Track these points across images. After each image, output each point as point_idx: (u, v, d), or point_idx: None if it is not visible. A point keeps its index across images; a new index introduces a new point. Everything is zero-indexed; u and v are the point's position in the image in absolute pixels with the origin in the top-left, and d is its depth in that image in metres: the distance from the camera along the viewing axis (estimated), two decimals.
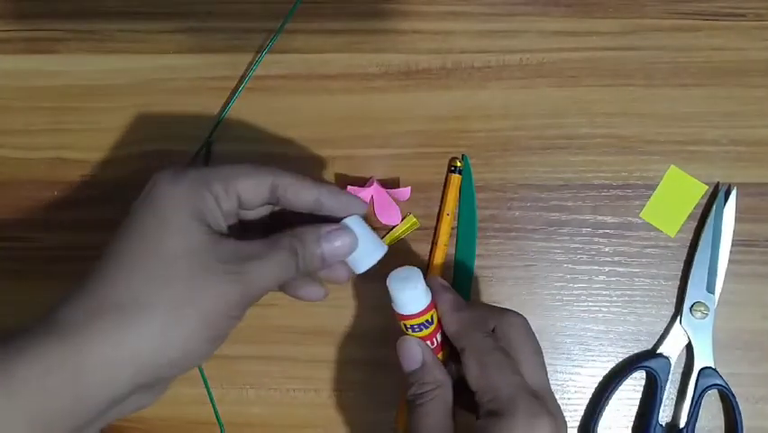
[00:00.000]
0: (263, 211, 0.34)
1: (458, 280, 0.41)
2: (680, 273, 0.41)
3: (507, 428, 0.28)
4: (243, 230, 0.33)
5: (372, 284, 0.42)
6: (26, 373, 0.25)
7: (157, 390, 0.30)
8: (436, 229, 0.41)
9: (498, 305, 0.36)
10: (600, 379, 0.41)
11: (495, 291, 0.41)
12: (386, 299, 0.33)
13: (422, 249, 0.42)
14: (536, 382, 0.31)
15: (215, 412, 0.42)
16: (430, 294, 0.33)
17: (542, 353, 0.33)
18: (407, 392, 0.33)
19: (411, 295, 0.32)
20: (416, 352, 0.33)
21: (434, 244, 0.41)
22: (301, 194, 0.32)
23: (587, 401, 0.41)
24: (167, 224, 0.29)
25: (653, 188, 0.41)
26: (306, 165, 0.42)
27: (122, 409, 0.28)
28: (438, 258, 0.41)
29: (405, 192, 0.40)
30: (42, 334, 0.26)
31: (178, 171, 0.30)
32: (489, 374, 0.30)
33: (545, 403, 0.30)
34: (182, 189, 0.29)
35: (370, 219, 0.42)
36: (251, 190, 0.31)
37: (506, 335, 0.32)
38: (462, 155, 0.41)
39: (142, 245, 0.28)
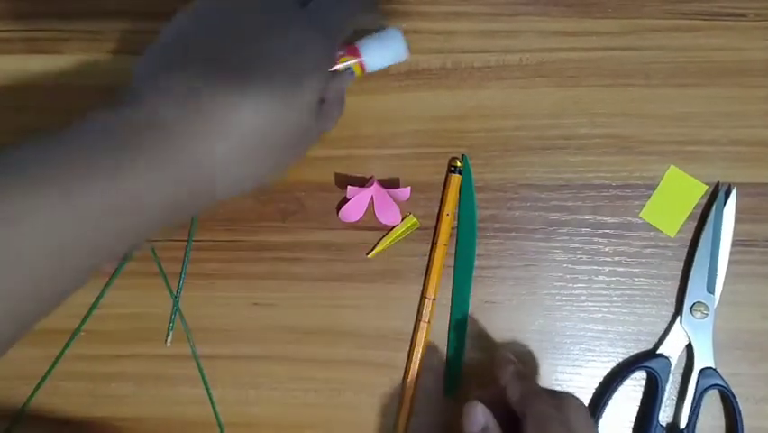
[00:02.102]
0: None
1: (458, 280, 0.41)
2: (680, 273, 0.41)
3: None
4: None
5: (372, 284, 0.42)
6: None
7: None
8: (436, 229, 0.41)
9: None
10: (601, 379, 0.41)
11: (495, 291, 0.41)
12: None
13: (422, 249, 0.42)
14: None
15: (215, 412, 0.42)
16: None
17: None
18: None
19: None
20: (480, 416, 0.34)
21: (434, 244, 0.41)
22: None
23: (587, 402, 0.41)
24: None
25: (652, 188, 0.41)
26: (306, 165, 0.42)
27: (197, 206, 0.30)
28: (438, 258, 0.41)
29: (405, 192, 0.40)
30: (133, 123, 0.27)
31: None
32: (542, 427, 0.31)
33: None
34: None
35: (370, 219, 0.42)
36: None
37: (565, 413, 0.33)
38: (462, 155, 0.41)
39: (236, 40, 0.29)
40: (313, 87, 0.30)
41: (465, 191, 0.41)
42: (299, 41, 0.29)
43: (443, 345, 0.41)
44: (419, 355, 0.41)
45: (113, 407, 0.42)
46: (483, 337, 0.41)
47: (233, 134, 0.27)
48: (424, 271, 0.41)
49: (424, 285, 0.41)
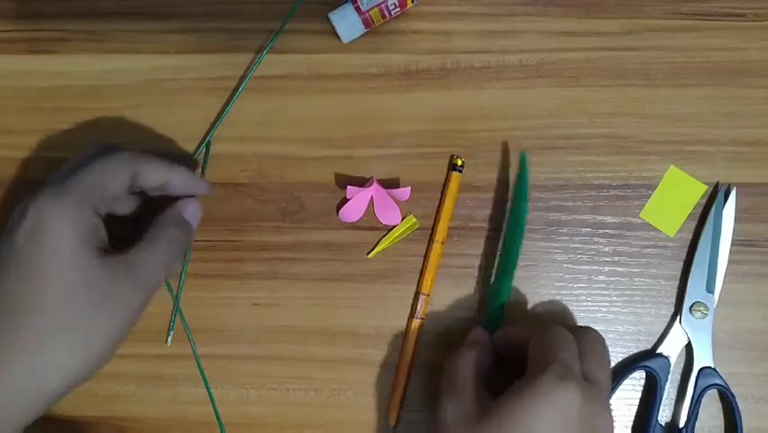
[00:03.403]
0: (131, 203, 0.38)
1: (499, 288, 0.39)
2: (679, 273, 0.41)
3: (532, 382, 0.30)
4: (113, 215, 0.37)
5: (372, 284, 0.42)
6: None
7: None
8: (434, 226, 0.41)
9: None
10: None
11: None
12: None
13: (422, 249, 0.42)
14: (592, 370, 0.32)
15: (216, 412, 0.42)
16: None
17: (609, 360, 0.34)
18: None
19: None
20: (483, 338, 0.37)
21: (430, 240, 0.41)
22: (152, 176, 0.35)
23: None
24: (59, 257, 0.30)
25: (652, 188, 0.42)
26: (307, 165, 0.42)
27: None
28: (434, 255, 0.41)
29: (405, 192, 0.40)
30: None
31: (55, 194, 0.32)
32: (545, 341, 0.32)
33: (594, 387, 0.31)
34: (68, 216, 0.31)
35: (370, 219, 0.42)
36: (118, 186, 0.34)
37: (580, 339, 0.33)
38: (521, 153, 0.41)
39: (39, 282, 0.30)
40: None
41: (520, 194, 0.40)
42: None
43: (436, 341, 0.41)
44: (411, 352, 0.41)
45: (113, 407, 0.42)
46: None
47: None
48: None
49: (419, 282, 0.41)
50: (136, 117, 0.43)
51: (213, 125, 0.42)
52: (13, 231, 0.31)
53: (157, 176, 0.35)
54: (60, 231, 0.30)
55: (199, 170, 0.41)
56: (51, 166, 0.43)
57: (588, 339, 0.34)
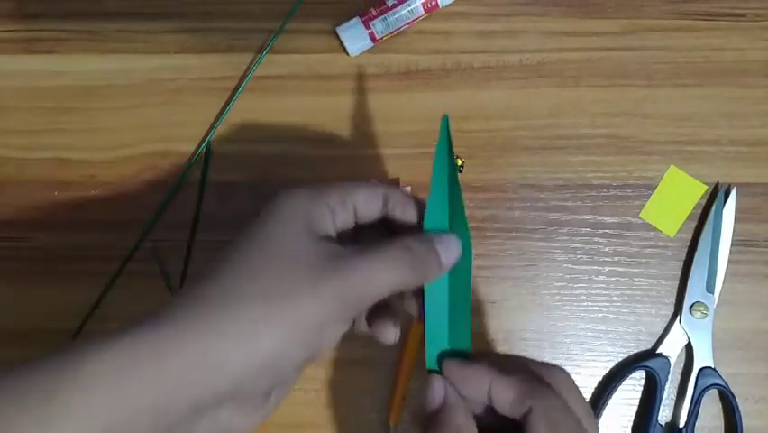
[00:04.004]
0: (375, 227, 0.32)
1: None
2: (679, 273, 0.41)
3: None
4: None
5: None
6: (98, 369, 0.23)
7: (249, 408, 0.27)
8: None
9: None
10: (600, 379, 0.41)
11: (495, 291, 0.41)
12: None
13: None
14: (583, 418, 0.28)
15: None
16: None
17: (593, 414, 0.30)
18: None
19: None
20: (438, 390, 0.29)
21: None
22: (408, 211, 0.31)
23: (587, 401, 0.41)
24: (277, 226, 0.28)
25: (652, 188, 0.42)
26: (307, 165, 0.42)
27: (209, 426, 0.26)
28: None
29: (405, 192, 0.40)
30: (129, 331, 0.24)
31: (298, 186, 0.30)
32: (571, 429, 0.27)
33: None
34: (298, 200, 0.29)
35: None
36: (366, 203, 0.30)
37: (564, 396, 0.29)
38: (443, 115, 0.31)
39: (246, 245, 0.27)
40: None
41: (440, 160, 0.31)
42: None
43: None
44: (411, 352, 0.41)
45: None
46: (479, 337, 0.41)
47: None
48: None
49: None
50: (136, 117, 0.43)
51: (213, 125, 0.42)
52: (258, 213, 0.28)
53: (413, 213, 0.31)
54: (285, 208, 0.28)
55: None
56: (52, 166, 0.43)
57: (565, 382, 0.29)
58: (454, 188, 0.30)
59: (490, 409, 0.28)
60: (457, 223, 0.30)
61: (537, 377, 0.29)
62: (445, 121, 0.30)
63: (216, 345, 0.24)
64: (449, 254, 0.29)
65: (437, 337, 0.30)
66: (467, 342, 0.30)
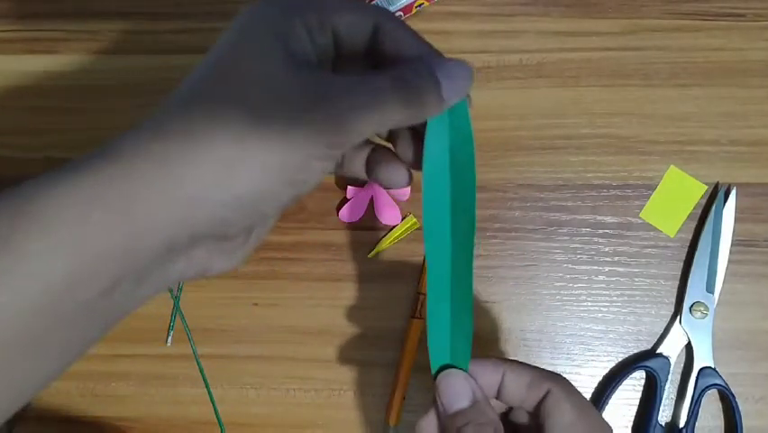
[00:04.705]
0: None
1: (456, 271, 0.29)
2: (679, 273, 0.41)
3: None
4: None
5: (372, 284, 0.42)
6: (64, 203, 0.20)
7: (228, 247, 0.24)
8: None
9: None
10: (600, 379, 0.41)
11: (495, 291, 0.41)
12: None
13: (422, 249, 0.42)
14: (595, 418, 0.28)
15: (216, 412, 0.42)
16: None
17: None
18: (451, 429, 0.27)
19: None
20: (466, 386, 0.27)
21: None
22: (403, 44, 0.25)
23: None
24: (246, 46, 0.24)
25: (652, 188, 0.42)
26: None
27: (185, 268, 0.23)
28: None
29: (405, 192, 0.40)
30: (86, 162, 0.21)
31: (268, 1, 0.25)
32: (588, 416, 0.26)
33: None
34: (270, 13, 0.24)
35: (370, 219, 0.42)
36: (351, 27, 0.25)
37: (562, 390, 0.27)
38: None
39: (215, 69, 0.24)
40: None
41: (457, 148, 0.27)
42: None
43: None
44: (411, 352, 0.41)
45: (113, 407, 0.42)
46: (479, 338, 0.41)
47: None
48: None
49: (419, 282, 0.41)
50: (136, 117, 0.43)
51: None
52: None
53: (409, 46, 0.26)
54: (254, 21, 0.24)
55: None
56: (52, 166, 0.43)
57: (569, 389, 0.28)
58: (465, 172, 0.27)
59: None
60: (461, 207, 0.27)
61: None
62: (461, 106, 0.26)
63: (193, 178, 0.21)
64: (453, 87, 0.25)
65: (440, 341, 0.28)
66: (468, 348, 0.28)
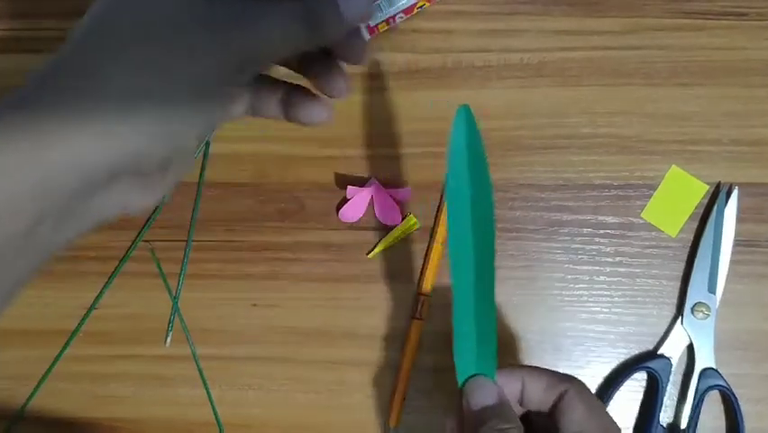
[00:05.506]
0: None
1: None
2: (681, 274, 0.41)
3: None
4: None
5: (372, 284, 0.41)
6: None
7: (147, 182, 0.24)
8: (435, 226, 0.41)
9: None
10: (602, 380, 0.41)
11: (496, 292, 0.41)
12: None
13: (422, 249, 0.42)
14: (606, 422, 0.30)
15: (215, 413, 0.41)
16: None
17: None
18: (476, 426, 0.28)
19: None
20: (492, 389, 0.29)
21: (430, 240, 0.41)
22: None
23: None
24: None
25: (654, 187, 0.41)
26: (306, 165, 0.42)
27: (105, 204, 0.23)
28: (435, 256, 0.41)
29: (405, 192, 0.40)
30: None
31: None
32: (599, 414, 0.28)
33: None
34: None
35: (370, 219, 0.41)
36: None
37: (577, 391, 0.29)
38: (462, 107, 0.30)
39: (112, 6, 0.23)
40: None
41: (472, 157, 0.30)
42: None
43: (437, 342, 0.41)
44: (412, 353, 0.40)
45: (112, 407, 0.42)
46: None
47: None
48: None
49: (419, 282, 0.41)
50: None
51: None
52: None
53: None
54: None
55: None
56: None
57: (583, 389, 0.30)
58: (483, 191, 0.30)
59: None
60: (482, 225, 0.30)
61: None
62: (462, 114, 0.29)
63: (104, 114, 0.21)
64: (350, 6, 0.25)
65: (466, 352, 0.30)
66: (494, 358, 0.29)
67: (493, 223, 0.30)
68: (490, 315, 0.29)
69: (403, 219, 0.41)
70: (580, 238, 0.41)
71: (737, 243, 0.41)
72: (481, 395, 0.29)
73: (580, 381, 0.29)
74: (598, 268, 0.41)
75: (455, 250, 0.30)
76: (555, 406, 0.29)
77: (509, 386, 0.29)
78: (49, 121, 0.21)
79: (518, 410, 0.30)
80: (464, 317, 0.29)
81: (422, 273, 0.41)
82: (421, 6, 0.41)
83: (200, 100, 0.23)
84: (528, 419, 0.31)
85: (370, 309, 0.41)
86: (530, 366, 0.30)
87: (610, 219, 0.41)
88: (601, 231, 0.41)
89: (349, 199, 0.41)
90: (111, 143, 0.22)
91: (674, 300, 0.41)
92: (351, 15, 0.26)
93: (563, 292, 0.41)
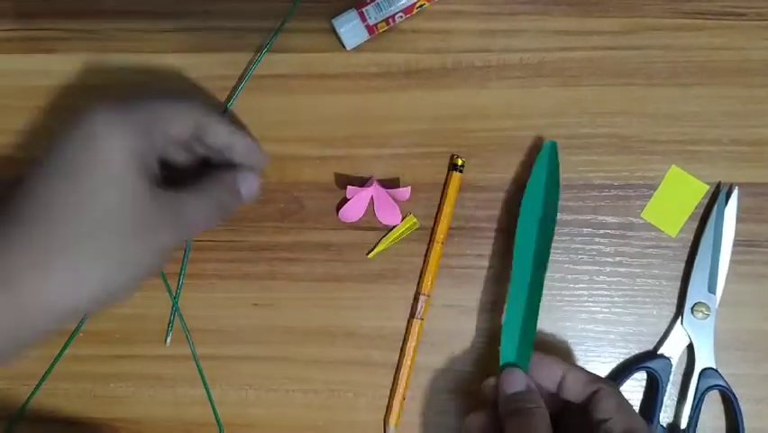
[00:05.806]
0: (186, 157, 0.36)
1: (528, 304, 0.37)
2: (681, 274, 0.41)
3: None
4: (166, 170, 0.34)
5: (372, 284, 0.41)
6: None
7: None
8: (435, 226, 0.41)
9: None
10: None
11: (495, 291, 0.41)
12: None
13: (422, 249, 0.42)
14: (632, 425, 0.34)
15: (215, 413, 0.41)
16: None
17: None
18: (506, 406, 0.34)
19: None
20: (523, 377, 0.35)
21: (431, 241, 0.41)
22: (218, 133, 0.34)
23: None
24: (102, 170, 0.27)
25: (654, 187, 0.41)
26: (306, 165, 0.42)
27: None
28: (435, 256, 0.41)
29: (405, 192, 0.40)
30: None
31: (114, 109, 0.28)
32: (628, 410, 0.33)
33: None
34: (122, 131, 0.28)
35: (370, 219, 0.42)
36: (182, 128, 0.32)
37: (607, 394, 0.34)
38: (550, 142, 0.39)
39: (73, 193, 0.27)
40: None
41: (548, 186, 0.39)
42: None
43: (437, 342, 0.41)
44: (411, 352, 0.40)
45: (112, 407, 0.42)
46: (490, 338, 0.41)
47: None
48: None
49: (419, 282, 0.41)
50: None
51: None
52: (66, 137, 0.28)
53: (223, 134, 0.34)
54: (115, 148, 0.27)
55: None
56: None
57: (616, 390, 0.34)
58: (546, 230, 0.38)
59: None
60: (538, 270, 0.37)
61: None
62: (547, 149, 0.38)
63: (44, 284, 0.27)
64: (249, 190, 0.36)
65: (510, 343, 0.36)
66: (530, 351, 0.36)
67: (551, 242, 0.37)
68: (534, 316, 0.36)
69: (403, 219, 0.41)
70: (580, 238, 0.41)
71: (737, 243, 0.41)
72: (514, 381, 0.35)
73: (614, 383, 0.35)
74: (597, 268, 0.41)
75: (518, 257, 0.37)
76: (589, 398, 0.33)
77: (547, 371, 0.35)
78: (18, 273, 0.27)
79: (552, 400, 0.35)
80: (514, 315, 0.37)
81: (422, 273, 0.41)
82: (421, 6, 0.41)
83: (145, 273, 0.30)
84: (561, 410, 0.36)
85: (370, 309, 0.41)
86: (573, 364, 0.35)
87: (610, 219, 0.41)
88: (601, 231, 0.41)
89: (349, 199, 0.41)
90: (52, 313, 0.28)
91: (674, 300, 0.41)
92: (248, 196, 0.36)
93: (563, 292, 0.41)
